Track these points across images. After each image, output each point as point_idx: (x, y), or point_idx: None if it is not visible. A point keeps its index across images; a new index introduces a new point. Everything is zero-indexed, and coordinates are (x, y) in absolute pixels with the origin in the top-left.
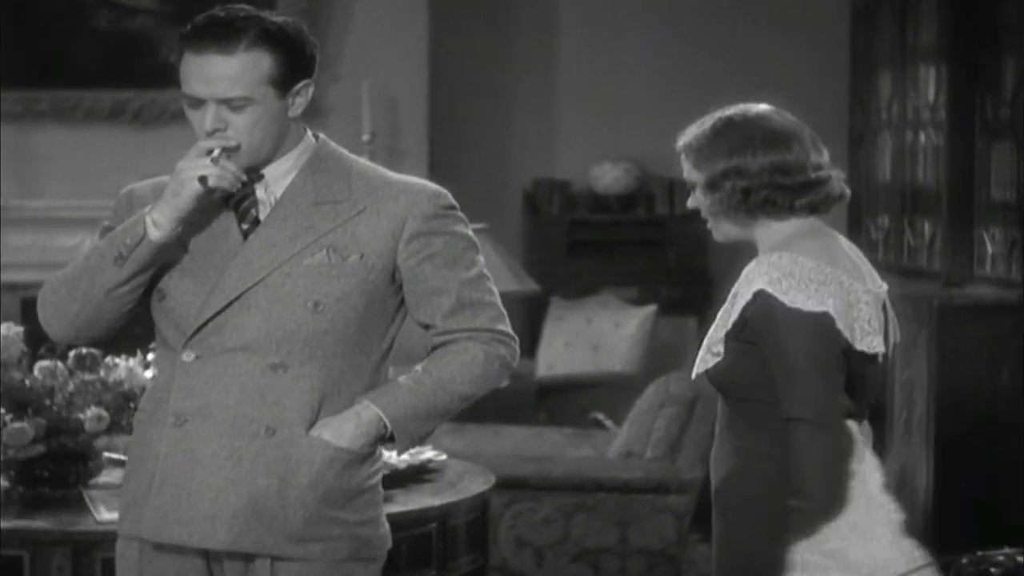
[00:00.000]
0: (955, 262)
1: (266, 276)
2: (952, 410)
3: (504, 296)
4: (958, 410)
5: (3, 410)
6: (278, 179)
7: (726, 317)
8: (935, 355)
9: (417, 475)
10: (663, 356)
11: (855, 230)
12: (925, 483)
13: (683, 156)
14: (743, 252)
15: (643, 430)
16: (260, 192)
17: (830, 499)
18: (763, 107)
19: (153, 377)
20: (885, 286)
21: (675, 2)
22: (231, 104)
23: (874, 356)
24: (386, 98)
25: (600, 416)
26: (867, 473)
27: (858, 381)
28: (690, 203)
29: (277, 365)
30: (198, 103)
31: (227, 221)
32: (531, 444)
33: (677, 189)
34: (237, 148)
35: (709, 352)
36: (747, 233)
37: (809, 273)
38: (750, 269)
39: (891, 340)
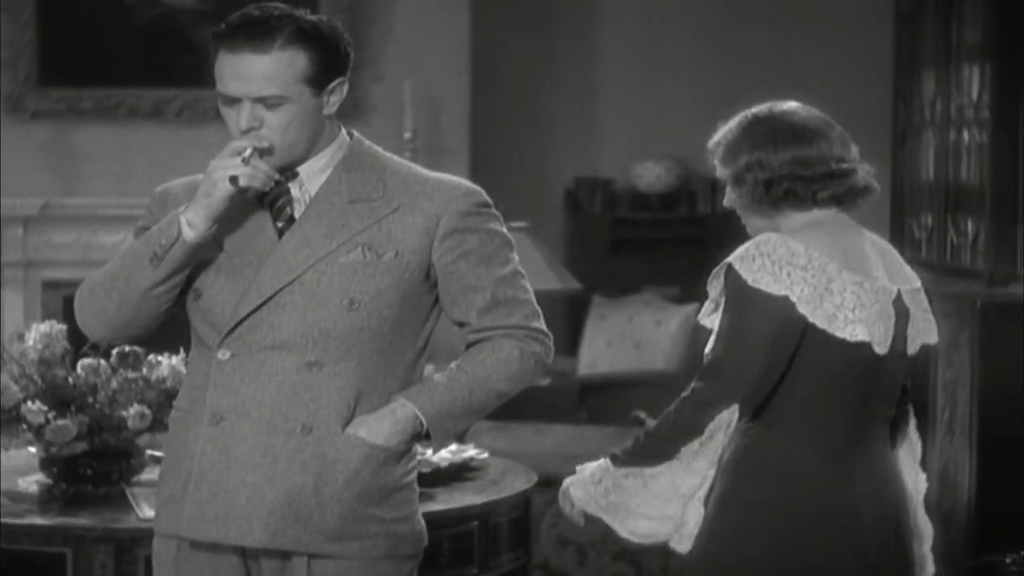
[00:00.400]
0: (998, 261)
1: (301, 274)
2: (995, 409)
3: (546, 295)
4: (1001, 409)
5: (46, 407)
6: (313, 177)
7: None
8: (978, 354)
9: (459, 473)
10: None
11: (898, 229)
12: (968, 482)
13: (713, 155)
14: None
15: None
16: (295, 190)
17: (654, 454)
18: (790, 104)
19: (187, 375)
20: (914, 284)
21: (717, 1)
22: (266, 103)
23: (865, 346)
24: (428, 97)
25: (642, 415)
26: (706, 453)
27: (845, 372)
28: (725, 202)
29: (313, 363)
30: (233, 101)
31: (262, 219)
32: (573, 443)
33: (719, 187)
34: (270, 149)
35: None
36: (774, 225)
37: (789, 256)
38: None
39: (913, 338)
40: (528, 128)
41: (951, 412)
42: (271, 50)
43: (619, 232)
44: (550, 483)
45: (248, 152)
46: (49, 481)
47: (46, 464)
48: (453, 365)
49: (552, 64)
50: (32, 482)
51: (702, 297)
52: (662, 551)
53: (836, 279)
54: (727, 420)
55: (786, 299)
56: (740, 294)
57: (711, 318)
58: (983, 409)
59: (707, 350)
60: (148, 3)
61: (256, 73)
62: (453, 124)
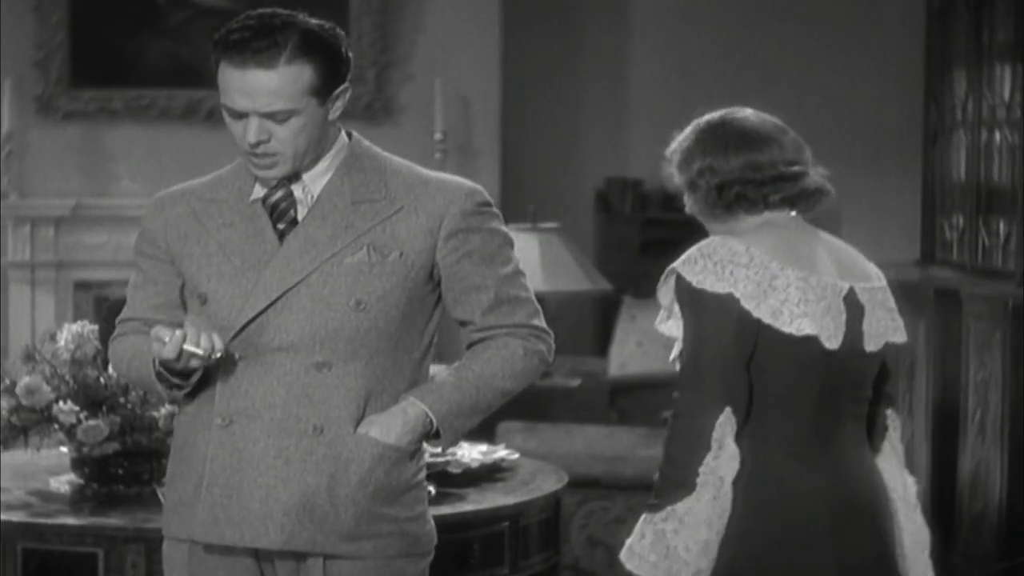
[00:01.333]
0: None
1: (307, 276)
2: None
3: (576, 295)
4: None
5: (78, 408)
6: (315, 179)
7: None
8: (1009, 355)
9: (490, 474)
10: None
11: (929, 229)
12: (999, 483)
13: (670, 163)
14: None
15: None
16: (298, 192)
17: (677, 483)
18: (744, 110)
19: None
20: (873, 283)
21: (748, 0)
22: (275, 117)
23: (814, 340)
24: (459, 97)
25: None
26: (722, 466)
27: (798, 367)
28: (687, 209)
29: (321, 364)
30: (239, 115)
31: (261, 222)
32: (603, 443)
33: None
34: (209, 360)
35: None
36: (729, 229)
37: (730, 255)
38: None
39: (872, 335)
40: (559, 129)
41: (982, 413)
42: (277, 65)
43: (649, 233)
44: (580, 484)
45: (197, 364)
46: (81, 481)
47: (78, 464)
48: (458, 364)
49: (582, 64)
50: (64, 482)
51: None
52: None
53: (779, 275)
54: (729, 427)
55: (731, 296)
56: (691, 298)
57: (666, 325)
58: (1015, 410)
59: (672, 357)
60: (179, 4)
61: (264, 89)
62: (484, 125)
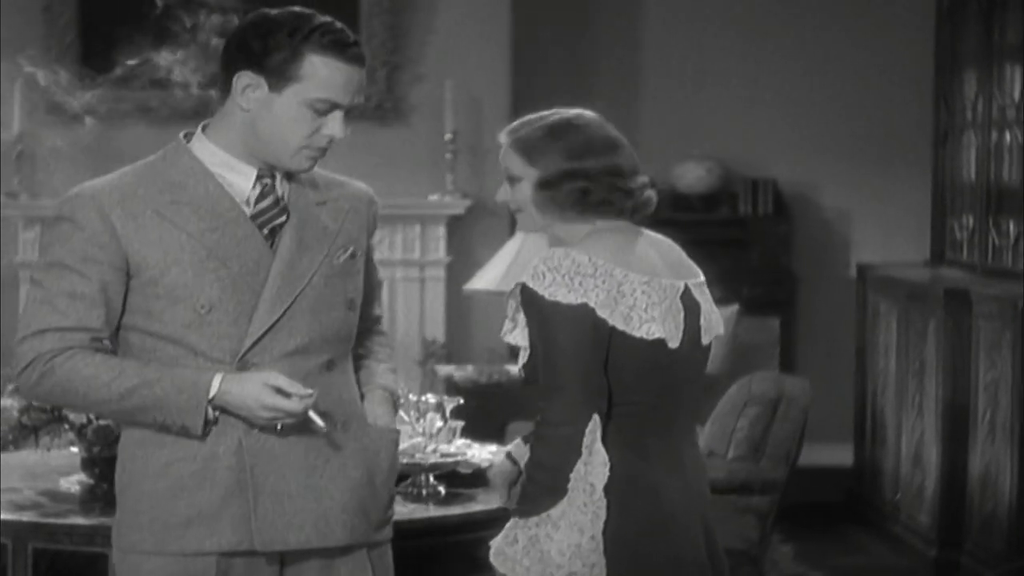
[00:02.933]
0: None
1: (311, 279)
2: None
3: None
4: None
5: None
6: (282, 180)
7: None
8: (1019, 355)
9: None
10: (745, 356)
11: (939, 230)
12: (1009, 483)
13: (512, 150)
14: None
15: (725, 430)
16: (278, 193)
17: (549, 488)
18: (592, 114)
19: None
20: (699, 278)
21: (759, 1)
22: (349, 113)
23: (661, 342)
24: (469, 98)
25: None
26: (592, 472)
27: (647, 369)
28: (501, 196)
29: (329, 363)
30: (328, 109)
31: (247, 226)
32: None
33: (760, 189)
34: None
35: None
36: (567, 231)
37: (575, 267)
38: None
39: (707, 329)
40: None
41: (992, 413)
42: (364, 64)
43: (660, 233)
44: None
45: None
46: (91, 481)
47: (88, 464)
48: (366, 350)
49: (593, 65)
50: (74, 482)
51: (743, 299)
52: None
53: (624, 282)
54: (597, 432)
55: (585, 306)
56: (543, 311)
57: (513, 335)
58: None
59: (519, 366)
60: (191, 4)
61: (359, 85)
62: (494, 125)
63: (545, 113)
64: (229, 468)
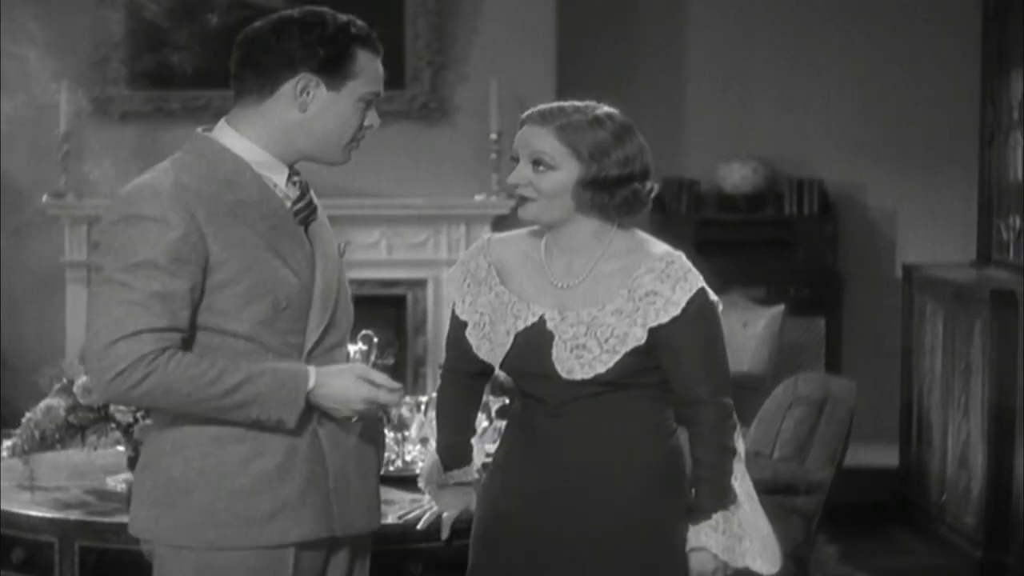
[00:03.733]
0: None
1: (339, 273)
2: None
3: None
4: None
5: (134, 407)
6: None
7: (654, 312)
8: None
9: None
10: (791, 356)
11: (985, 230)
12: None
13: (554, 138)
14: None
15: (771, 430)
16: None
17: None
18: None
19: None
20: None
21: (804, 3)
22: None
23: None
24: (514, 97)
25: None
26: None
27: None
28: (516, 179)
29: (347, 353)
30: (371, 102)
31: (293, 223)
32: None
33: (806, 189)
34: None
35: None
36: (564, 222)
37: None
38: (664, 264)
39: None
40: None
41: None
42: None
43: (705, 233)
44: None
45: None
46: None
47: (134, 463)
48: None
49: (638, 65)
50: (120, 481)
51: (788, 299)
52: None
53: None
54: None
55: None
56: (717, 314)
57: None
58: None
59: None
60: (237, 4)
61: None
62: None
63: (580, 104)
64: (307, 459)
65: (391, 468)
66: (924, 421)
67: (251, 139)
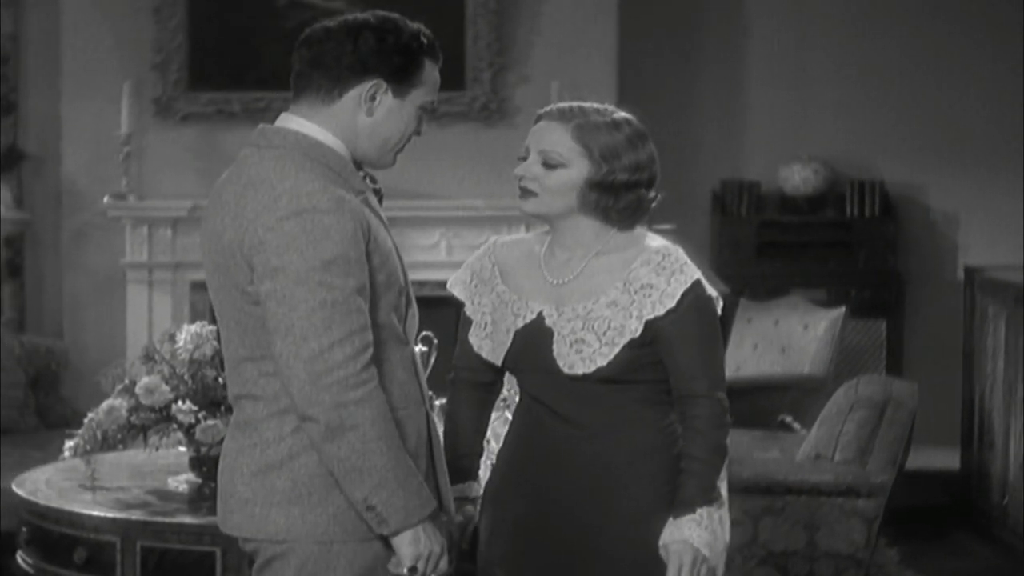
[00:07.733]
0: None
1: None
2: None
3: None
4: None
5: (196, 407)
6: None
7: (650, 305)
8: None
9: None
10: (852, 358)
11: None
12: None
13: (569, 136)
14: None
15: (832, 433)
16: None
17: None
18: None
19: (389, 374)
20: None
21: (864, 1)
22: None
23: None
24: (575, 99)
25: (788, 418)
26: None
27: None
28: (523, 171)
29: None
30: (428, 110)
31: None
32: None
33: (867, 190)
34: None
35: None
36: (562, 219)
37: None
38: (660, 257)
39: None
40: (675, 131)
41: None
42: None
43: (766, 235)
44: None
45: None
46: (199, 480)
47: (196, 463)
48: None
49: (698, 68)
50: (182, 481)
51: (849, 301)
52: (807, 554)
53: None
54: None
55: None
56: (715, 308)
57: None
58: None
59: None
60: (298, 6)
61: None
62: None
63: (599, 106)
64: (425, 442)
65: None
66: (986, 424)
67: (334, 135)
